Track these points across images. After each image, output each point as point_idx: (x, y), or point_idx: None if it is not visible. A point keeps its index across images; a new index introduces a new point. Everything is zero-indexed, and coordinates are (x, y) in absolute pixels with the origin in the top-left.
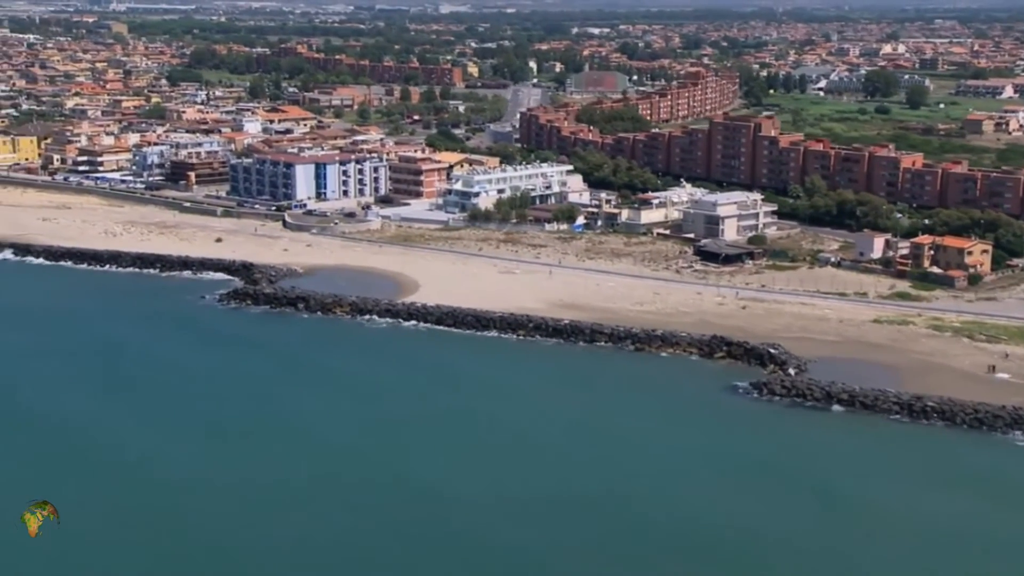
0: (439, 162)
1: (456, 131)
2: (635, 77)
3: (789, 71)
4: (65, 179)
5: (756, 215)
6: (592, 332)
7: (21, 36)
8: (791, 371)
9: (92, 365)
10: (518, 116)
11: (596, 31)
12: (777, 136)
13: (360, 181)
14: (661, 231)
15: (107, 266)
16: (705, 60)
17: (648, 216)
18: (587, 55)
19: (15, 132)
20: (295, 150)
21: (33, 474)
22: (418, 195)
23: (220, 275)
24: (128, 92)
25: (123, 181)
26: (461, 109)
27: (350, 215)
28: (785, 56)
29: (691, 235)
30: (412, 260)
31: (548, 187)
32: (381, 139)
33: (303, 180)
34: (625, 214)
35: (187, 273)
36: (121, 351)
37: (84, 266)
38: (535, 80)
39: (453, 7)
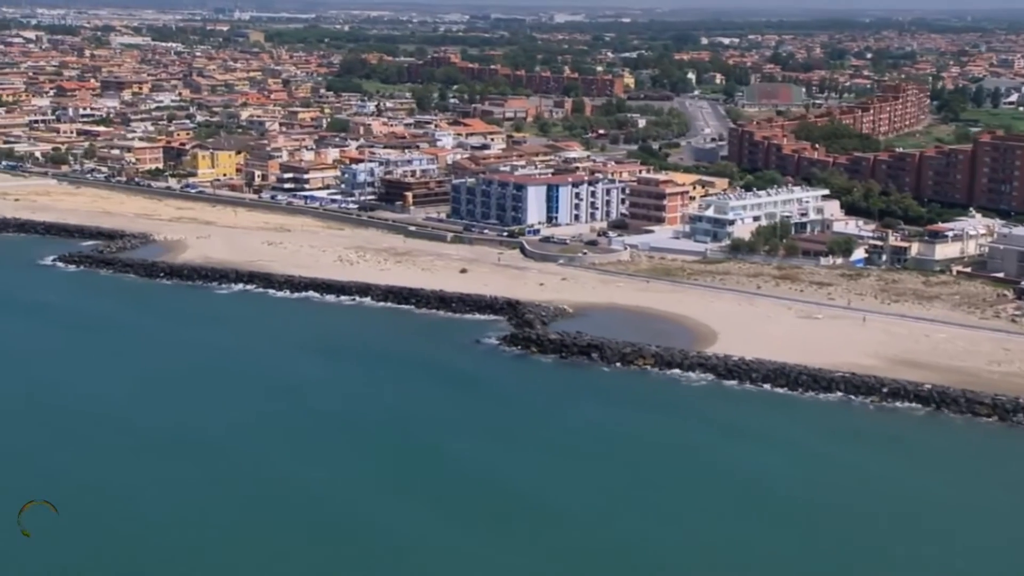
0: (681, 185)
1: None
2: (803, 89)
3: (965, 84)
4: (272, 198)
5: None
6: (969, 402)
7: (164, 44)
8: None
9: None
10: (706, 131)
11: (727, 41)
12: None
13: (592, 205)
14: (960, 268)
15: (356, 299)
16: (865, 72)
17: (943, 251)
18: (732, 64)
19: (211, 146)
20: (509, 169)
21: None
22: (659, 221)
23: (483, 315)
24: (295, 103)
25: (333, 200)
26: (641, 123)
27: (592, 243)
28: (946, 68)
29: (999, 273)
30: (686, 299)
31: (804, 214)
32: (589, 156)
33: (535, 203)
34: (915, 248)
35: (444, 312)
36: (417, 418)
37: (331, 298)
38: (696, 92)
39: (568, 16)
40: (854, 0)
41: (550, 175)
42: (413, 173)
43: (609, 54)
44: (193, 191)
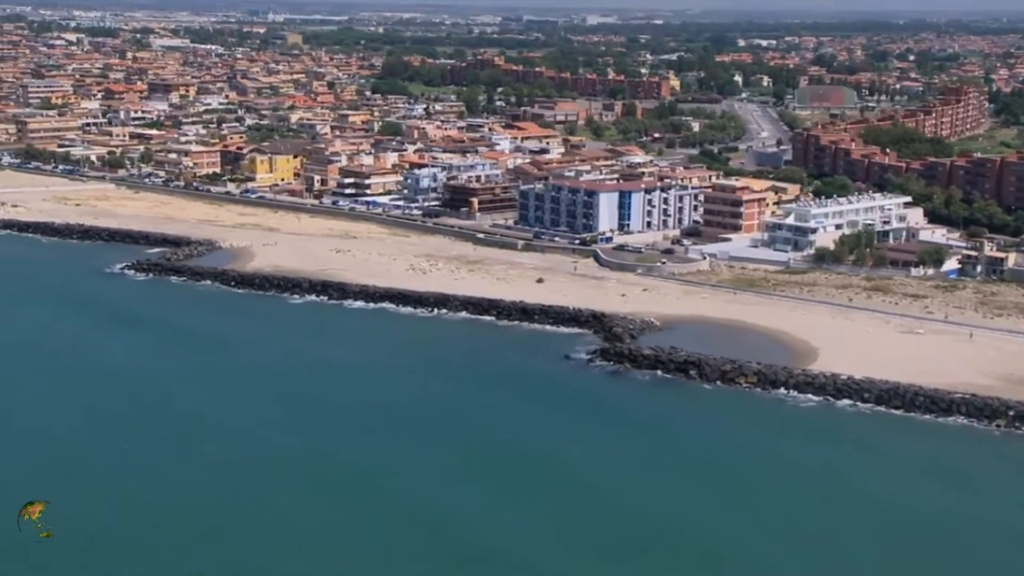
0: (758, 191)
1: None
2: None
3: (1017, 86)
4: (334, 203)
5: None
6: None
7: (203, 47)
8: None
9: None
10: (763, 134)
11: (764, 42)
12: None
13: (664, 212)
14: None
15: (434, 311)
16: (912, 75)
17: None
18: (773, 66)
19: (267, 150)
20: (574, 175)
21: None
22: (735, 229)
23: (567, 327)
24: (343, 105)
25: (396, 206)
26: (695, 126)
27: (668, 252)
28: (994, 70)
29: None
30: (777, 312)
31: (887, 222)
32: (651, 161)
33: (606, 210)
34: (1012, 259)
35: (526, 323)
36: (535, 440)
37: (408, 310)
38: (744, 94)
39: (600, 18)
40: (885, 2)
41: (618, 181)
42: (478, 178)
43: (648, 56)
44: (253, 196)
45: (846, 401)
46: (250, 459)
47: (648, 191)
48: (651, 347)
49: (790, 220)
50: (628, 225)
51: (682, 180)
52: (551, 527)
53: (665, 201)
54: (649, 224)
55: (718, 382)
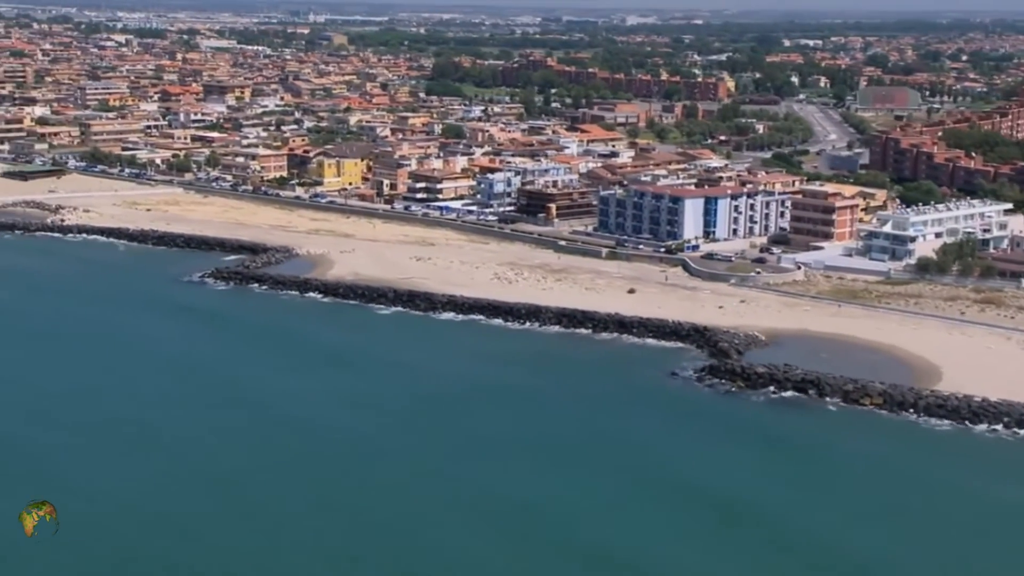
0: (850, 198)
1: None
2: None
3: None
4: (406, 208)
5: None
6: None
7: (251, 47)
8: None
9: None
10: (831, 136)
11: (811, 43)
12: None
13: (751, 219)
14: None
15: (526, 323)
16: (971, 75)
17: None
18: (828, 66)
19: (333, 153)
20: (650, 179)
21: None
22: (827, 237)
23: (667, 341)
24: (399, 107)
25: (470, 212)
26: (760, 128)
27: (759, 261)
28: None
29: None
30: (887, 326)
31: (987, 230)
32: (727, 165)
33: (691, 217)
34: None
35: (625, 337)
36: (678, 472)
37: (499, 322)
38: (802, 95)
39: (639, 18)
40: (926, 1)
41: (700, 186)
42: (554, 183)
43: (695, 56)
44: (323, 201)
45: (983, 426)
46: (425, 487)
47: (734, 197)
48: (764, 364)
49: (887, 228)
50: (714, 232)
51: (764, 185)
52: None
53: (751, 207)
54: (735, 231)
55: (840, 401)
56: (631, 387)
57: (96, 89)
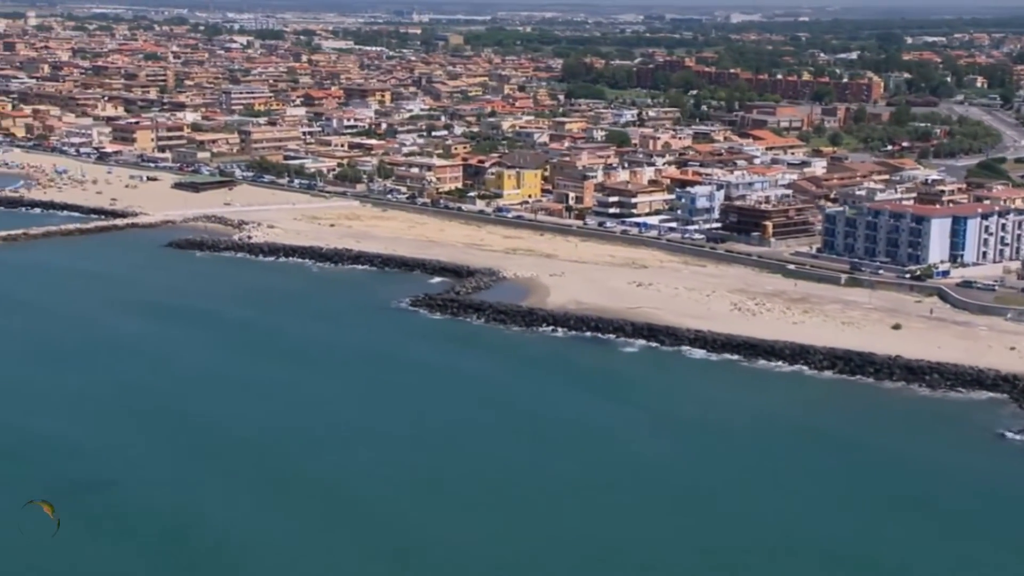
0: None
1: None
2: None
3: None
4: (601, 224)
5: None
6: None
7: (368, 48)
8: None
9: None
10: (1021, 142)
11: (932, 39)
12: None
13: (1002, 240)
14: None
15: (794, 365)
16: None
17: None
18: (963, 64)
19: (509, 162)
20: (864, 193)
21: None
22: None
23: (972, 391)
24: (544, 111)
25: (671, 229)
26: (938, 133)
27: None
28: None
29: None
30: None
31: None
32: (944, 178)
33: (937, 239)
34: None
35: (916, 386)
36: None
37: (762, 363)
38: (960, 96)
39: (742, 16)
40: None
41: (923, 202)
42: (767, 199)
43: (820, 55)
44: (510, 216)
45: None
46: None
47: (984, 216)
48: None
49: None
50: (962, 256)
51: (1004, 201)
52: None
53: (1003, 228)
54: (984, 254)
55: None
56: (958, 451)
57: (240, 93)
